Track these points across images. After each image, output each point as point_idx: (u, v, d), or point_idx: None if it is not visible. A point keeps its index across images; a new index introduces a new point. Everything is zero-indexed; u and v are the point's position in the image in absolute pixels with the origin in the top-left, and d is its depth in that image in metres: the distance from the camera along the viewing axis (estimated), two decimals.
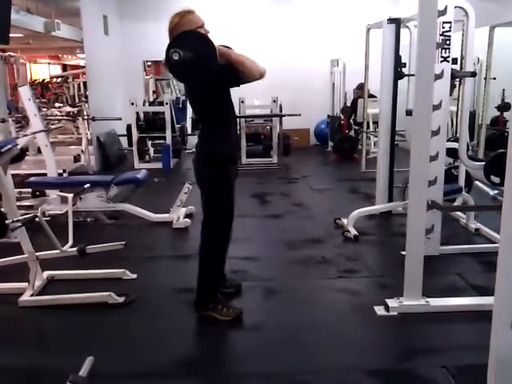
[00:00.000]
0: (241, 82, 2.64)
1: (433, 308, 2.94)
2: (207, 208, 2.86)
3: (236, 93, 2.81)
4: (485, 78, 5.71)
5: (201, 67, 2.50)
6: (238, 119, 7.80)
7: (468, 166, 3.92)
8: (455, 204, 4.39)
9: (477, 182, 4.38)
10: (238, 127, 7.83)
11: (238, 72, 2.58)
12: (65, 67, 18.32)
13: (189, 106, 11.34)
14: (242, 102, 7.61)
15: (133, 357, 2.60)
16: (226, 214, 2.88)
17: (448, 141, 4.04)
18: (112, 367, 2.48)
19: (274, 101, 7.73)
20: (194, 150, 3.09)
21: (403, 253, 3.03)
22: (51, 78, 15.50)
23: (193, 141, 9.53)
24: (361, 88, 7.60)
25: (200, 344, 2.82)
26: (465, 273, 3.52)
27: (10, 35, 7.67)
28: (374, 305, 3.03)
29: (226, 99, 2.79)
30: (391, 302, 2.97)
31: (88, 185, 3.90)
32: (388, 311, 2.96)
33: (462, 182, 4.32)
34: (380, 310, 2.98)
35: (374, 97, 7.03)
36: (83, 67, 12.11)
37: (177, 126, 8.27)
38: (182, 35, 2.52)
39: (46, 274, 3.45)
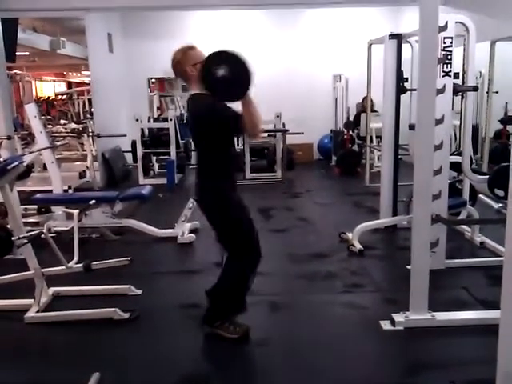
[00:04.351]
0: (240, 134, 2.64)
1: (439, 322, 2.93)
2: (230, 239, 2.86)
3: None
4: (487, 92, 5.73)
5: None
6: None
7: (472, 180, 3.93)
8: (460, 217, 4.39)
9: (481, 196, 4.38)
10: (243, 142, 7.89)
11: (243, 125, 2.56)
12: (70, 84, 18.50)
13: None
14: None
15: (138, 373, 2.60)
16: (251, 238, 2.91)
17: (451, 154, 4.05)
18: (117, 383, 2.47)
19: (278, 116, 7.77)
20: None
21: (408, 267, 3.02)
22: (56, 95, 15.66)
23: None
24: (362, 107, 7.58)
25: (205, 360, 2.81)
26: (470, 286, 3.51)
27: (17, 53, 7.79)
28: (379, 319, 3.02)
29: (230, 139, 2.82)
30: (397, 317, 2.97)
31: (93, 201, 3.91)
32: (394, 326, 2.94)
33: (466, 195, 4.32)
34: (386, 325, 2.97)
35: (376, 111, 7.05)
36: (88, 84, 12.25)
37: (181, 141, 8.30)
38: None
39: (52, 290, 3.46)
